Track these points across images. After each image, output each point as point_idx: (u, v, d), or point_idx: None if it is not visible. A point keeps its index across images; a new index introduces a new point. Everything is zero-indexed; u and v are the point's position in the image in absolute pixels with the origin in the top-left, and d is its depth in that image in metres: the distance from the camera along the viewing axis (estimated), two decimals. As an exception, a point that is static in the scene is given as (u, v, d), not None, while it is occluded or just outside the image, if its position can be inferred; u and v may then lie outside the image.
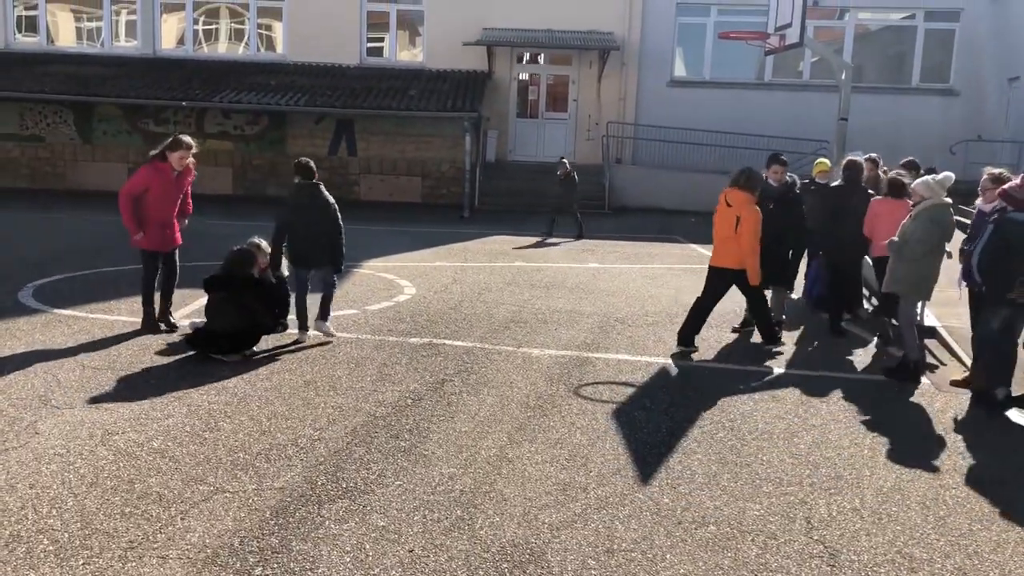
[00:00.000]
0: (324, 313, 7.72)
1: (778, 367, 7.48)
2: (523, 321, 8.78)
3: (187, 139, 7.77)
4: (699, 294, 7.99)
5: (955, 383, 7.03)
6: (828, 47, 18.69)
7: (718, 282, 7.93)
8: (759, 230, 7.67)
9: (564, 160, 17.17)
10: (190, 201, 8.14)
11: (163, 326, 7.83)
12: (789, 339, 8.48)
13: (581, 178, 21.58)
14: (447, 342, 7.81)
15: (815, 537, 4.25)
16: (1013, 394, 6.55)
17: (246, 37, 23.15)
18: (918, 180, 7.47)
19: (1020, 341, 6.67)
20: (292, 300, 7.65)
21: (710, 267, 7.98)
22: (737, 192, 7.72)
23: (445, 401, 6.13)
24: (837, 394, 6.71)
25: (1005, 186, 6.48)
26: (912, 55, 22.44)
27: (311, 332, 7.68)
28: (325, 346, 7.50)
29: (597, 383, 6.76)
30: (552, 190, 16.97)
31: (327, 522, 4.18)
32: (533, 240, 15.37)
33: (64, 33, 23.52)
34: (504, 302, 9.70)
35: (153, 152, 7.84)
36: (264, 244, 7.54)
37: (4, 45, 22.59)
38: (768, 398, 6.52)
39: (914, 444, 5.70)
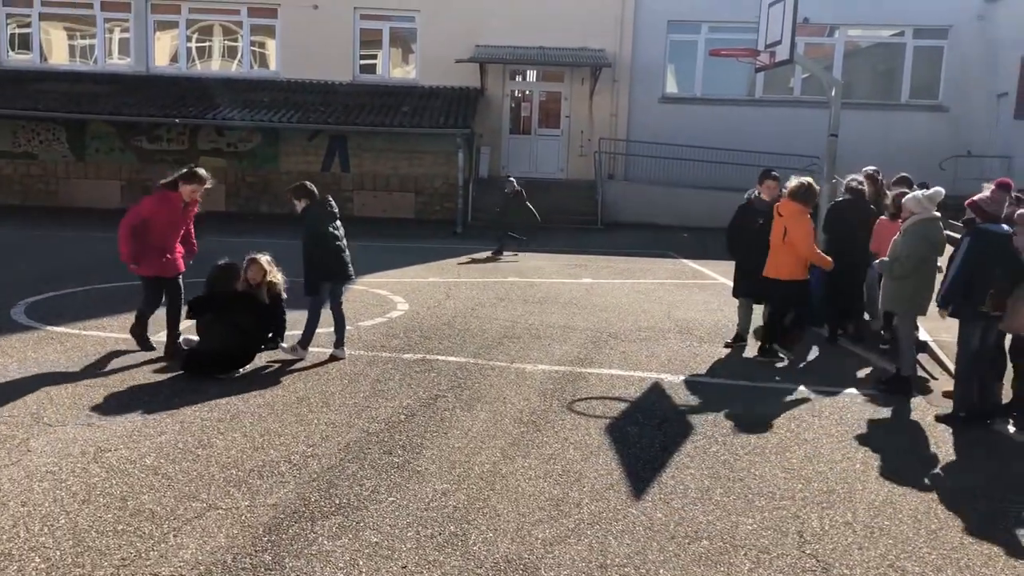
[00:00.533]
0: (341, 339, 7.77)
1: (771, 382, 7.50)
2: (516, 336, 8.79)
3: (203, 172, 7.65)
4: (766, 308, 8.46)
5: (947, 394, 7.06)
6: (818, 64, 18.84)
7: (773, 291, 8.17)
8: (811, 238, 7.98)
9: (512, 179, 16.71)
10: (194, 239, 7.96)
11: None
12: (781, 353, 8.50)
13: (573, 193, 21.68)
14: (440, 358, 7.82)
15: (807, 551, 4.26)
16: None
17: (239, 54, 23.23)
18: (908, 196, 7.51)
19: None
20: (307, 320, 7.63)
21: (763, 277, 8.19)
22: (789, 203, 7.91)
23: (438, 417, 6.14)
24: (830, 408, 6.73)
25: (975, 197, 6.53)
26: (901, 72, 22.64)
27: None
28: (320, 364, 7.49)
29: (590, 398, 6.78)
30: (503, 205, 16.26)
31: (320, 538, 4.18)
32: (484, 255, 15.30)
33: (57, 51, 23.56)
34: (497, 317, 9.72)
35: (164, 181, 7.64)
36: (269, 259, 7.43)
37: (-3, 63, 22.65)
38: (760, 413, 6.54)
39: (906, 458, 5.72)
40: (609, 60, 21.52)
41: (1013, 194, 6.85)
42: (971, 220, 6.58)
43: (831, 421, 6.41)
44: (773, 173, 8.97)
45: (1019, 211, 6.39)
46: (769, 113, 22.20)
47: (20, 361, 7.19)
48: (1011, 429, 6.38)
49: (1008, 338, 6.61)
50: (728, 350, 8.59)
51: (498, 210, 16.45)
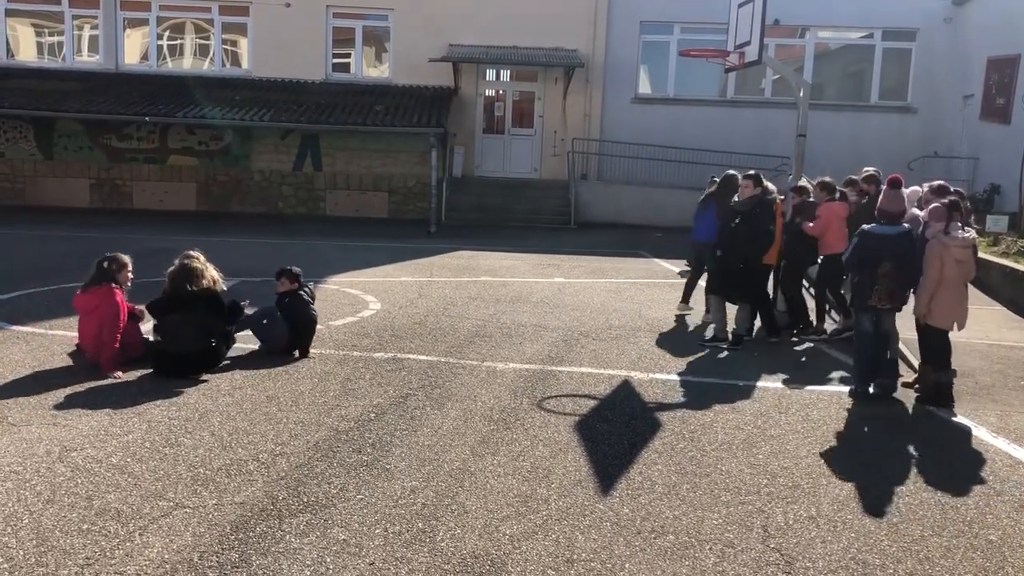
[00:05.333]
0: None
1: (739, 379, 7.58)
2: (488, 335, 8.81)
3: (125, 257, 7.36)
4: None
5: (906, 384, 7.30)
6: (787, 65, 19.04)
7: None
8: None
9: None
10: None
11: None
12: (750, 351, 8.60)
13: (546, 193, 21.74)
14: (412, 356, 7.82)
15: (772, 545, 4.32)
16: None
17: (211, 52, 23.04)
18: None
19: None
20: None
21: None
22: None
23: (408, 415, 6.14)
24: (796, 405, 6.81)
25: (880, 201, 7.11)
26: (871, 73, 22.91)
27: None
28: (290, 363, 7.47)
29: (560, 396, 6.81)
30: None
31: (288, 536, 4.18)
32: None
33: (25, 47, 23.25)
34: (469, 316, 9.73)
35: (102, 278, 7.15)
36: (201, 256, 7.32)
37: (-37, 59, 22.31)
38: (728, 410, 6.61)
39: (869, 453, 5.81)
40: (582, 60, 21.59)
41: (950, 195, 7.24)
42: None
43: (797, 418, 6.49)
44: (750, 173, 9.04)
45: (933, 205, 6.92)
46: (741, 114, 22.39)
47: (-15, 361, 7.10)
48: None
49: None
50: (705, 349, 8.67)
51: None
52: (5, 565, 3.78)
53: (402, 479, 4.95)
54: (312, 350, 7.74)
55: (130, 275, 7.41)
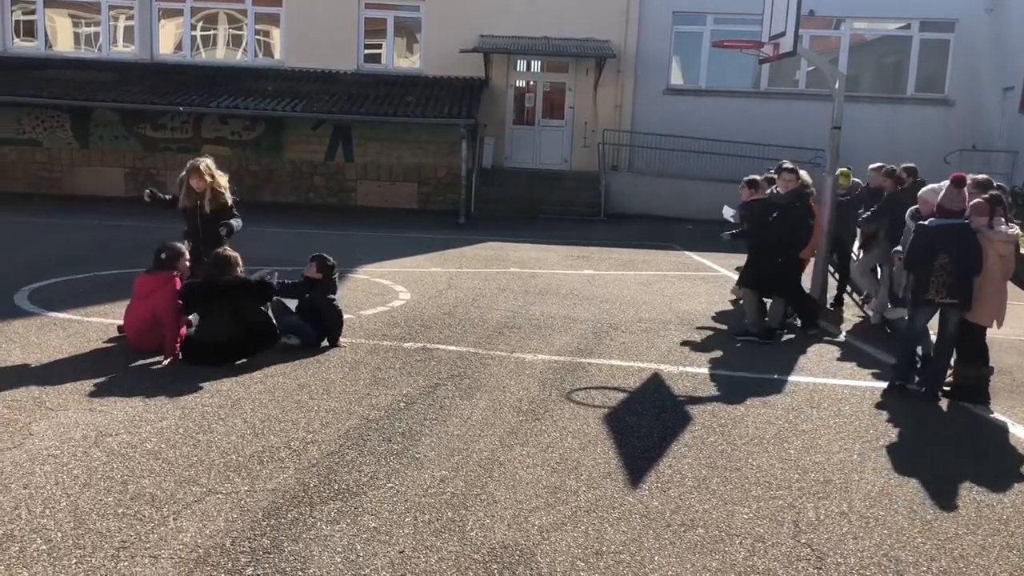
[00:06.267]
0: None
1: (770, 373, 7.52)
2: (517, 326, 8.82)
3: (180, 245, 7.57)
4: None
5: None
6: (822, 56, 18.78)
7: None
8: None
9: None
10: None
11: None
12: (783, 345, 8.53)
13: (576, 185, 21.67)
14: (441, 347, 7.85)
15: (803, 540, 4.29)
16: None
17: (244, 43, 23.22)
18: (924, 188, 7.60)
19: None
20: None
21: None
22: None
23: (438, 405, 6.16)
24: (828, 400, 6.75)
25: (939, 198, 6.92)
26: (908, 65, 22.57)
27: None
28: (321, 352, 7.52)
29: (589, 388, 6.80)
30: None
31: (318, 523, 4.21)
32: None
33: (62, 38, 23.58)
34: (498, 307, 9.74)
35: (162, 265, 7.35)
36: (209, 162, 7.62)
37: (3, 50, 22.66)
38: (759, 403, 6.56)
39: (902, 449, 5.74)
40: (614, 51, 21.48)
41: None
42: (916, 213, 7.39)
43: (829, 412, 6.42)
44: (789, 166, 8.96)
45: (975, 200, 6.76)
46: (774, 105, 22.17)
47: (23, 346, 7.23)
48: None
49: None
50: (737, 342, 8.61)
51: None
52: (44, 547, 3.85)
53: (431, 468, 4.97)
54: (342, 339, 7.78)
55: (187, 263, 7.55)
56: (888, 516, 4.62)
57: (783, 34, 10.00)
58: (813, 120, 19.93)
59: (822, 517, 4.57)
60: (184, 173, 8.07)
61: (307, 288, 7.68)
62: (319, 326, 7.66)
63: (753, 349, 8.42)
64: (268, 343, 7.28)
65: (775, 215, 8.56)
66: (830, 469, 5.27)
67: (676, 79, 23.02)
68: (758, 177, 10.16)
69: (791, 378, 7.38)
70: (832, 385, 7.22)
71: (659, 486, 4.87)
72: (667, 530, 4.32)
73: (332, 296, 7.87)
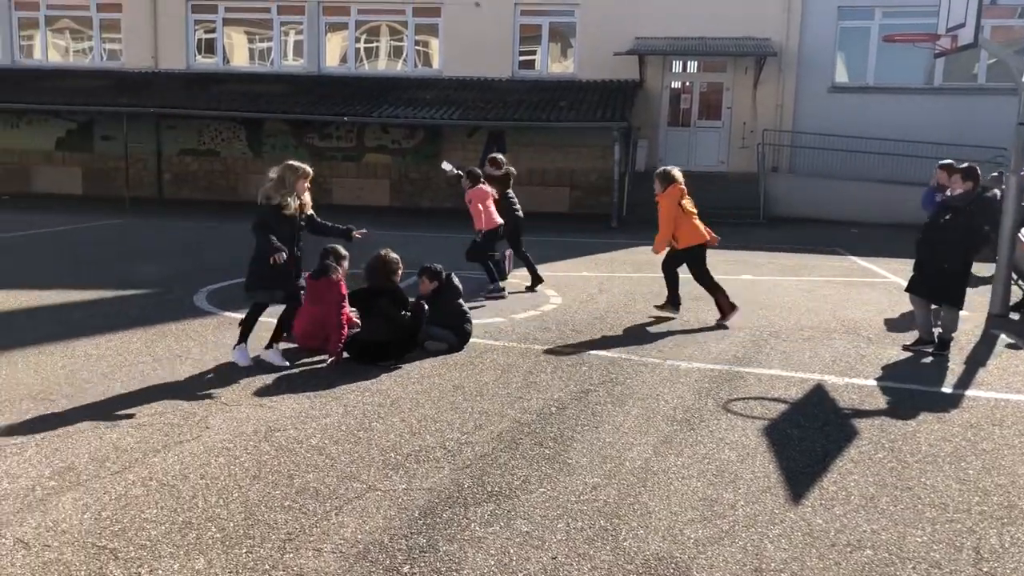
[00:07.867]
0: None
1: (946, 387, 7.03)
2: (670, 333, 8.65)
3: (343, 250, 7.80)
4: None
5: None
6: (1006, 48, 17.47)
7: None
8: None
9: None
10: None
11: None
12: (959, 357, 7.97)
13: (734, 187, 21.05)
14: (592, 352, 7.80)
15: (984, 569, 3.97)
16: None
17: (404, 53, 23.99)
18: None
19: None
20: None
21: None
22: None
23: (589, 411, 6.12)
24: (1012, 417, 6.24)
25: None
26: (1104, 53, 20.67)
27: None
28: (475, 355, 7.63)
29: (748, 398, 6.57)
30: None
31: (473, 524, 4.26)
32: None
33: (238, 54, 25.12)
34: (650, 313, 9.58)
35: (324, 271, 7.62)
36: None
37: (187, 67, 24.37)
38: (933, 419, 6.14)
39: (1102, 475, 5.22)
40: (774, 49, 20.80)
41: None
42: None
43: (1014, 431, 5.93)
44: (964, 166, 8.37)
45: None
46: (948, 102, 20.82)
47: (201, 344, 7.73)
48: None
49: None
50: (907, 353, 8.11)
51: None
52: (218, 535, 4.08)
53: (583, 475, 4.93)
54: (495, 342, 7.88)
55: (346, 265, 7.80)
56: (1085, 548, 4.21)
57: (962, 25, 9.39)
58: (991, 117, 18.63)
59: (1007, 545, 4.21)
60: (282, 174, 7.69)
61: (429, 304, 7.77)
62: (458, 331, 7.81)
63: (925, 360, 7.90)
64: (413, 345, 7.50)
65: (947, 217, 8.00)
66: (1015, 493, 4.86)
67: (841, 76, 22.01)
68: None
69: (969, 392, 6.88)
70: (1018, 401, 6.66)
71: (823, 503, 4.64)
72: (832, 550, 4.10)
73: (460, 300, 8.01)
